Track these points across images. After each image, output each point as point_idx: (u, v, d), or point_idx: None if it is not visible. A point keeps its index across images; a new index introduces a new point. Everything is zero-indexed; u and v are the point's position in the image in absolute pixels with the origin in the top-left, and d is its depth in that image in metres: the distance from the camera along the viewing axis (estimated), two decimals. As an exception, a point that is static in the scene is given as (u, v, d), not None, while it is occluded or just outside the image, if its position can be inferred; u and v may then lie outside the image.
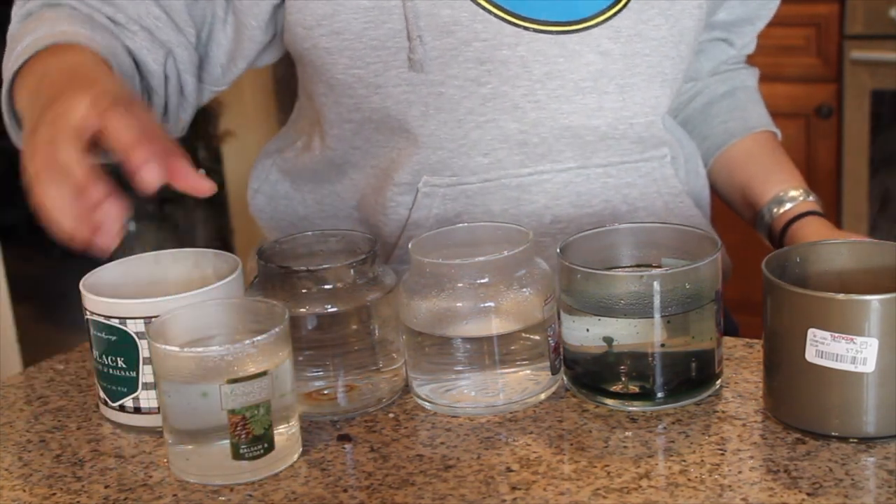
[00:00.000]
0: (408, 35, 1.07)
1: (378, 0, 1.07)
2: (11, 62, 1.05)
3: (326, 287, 0.94)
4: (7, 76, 1.05)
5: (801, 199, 1.23)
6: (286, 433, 0.89)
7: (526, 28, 1.09)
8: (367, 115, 1.12)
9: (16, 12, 1.13)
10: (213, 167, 3.03)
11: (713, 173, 1.30)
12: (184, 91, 1.15)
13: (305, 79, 1.18)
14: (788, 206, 1.23)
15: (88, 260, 0.92)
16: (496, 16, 1.08)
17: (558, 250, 0.96)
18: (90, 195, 0.82)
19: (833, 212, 2.56)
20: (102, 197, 0.82)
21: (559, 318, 0.96)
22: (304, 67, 1.16)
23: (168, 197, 2.88)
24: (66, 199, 0.82)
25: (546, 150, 1.13)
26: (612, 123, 1.13)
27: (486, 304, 0.93)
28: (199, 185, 0.85)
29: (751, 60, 1.39)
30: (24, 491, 0.89)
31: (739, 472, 0.84)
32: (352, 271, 0.95)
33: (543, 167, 1.13)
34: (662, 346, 0.92)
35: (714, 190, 1.30)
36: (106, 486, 0.89)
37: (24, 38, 1.05)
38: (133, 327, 0.92)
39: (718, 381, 0.96)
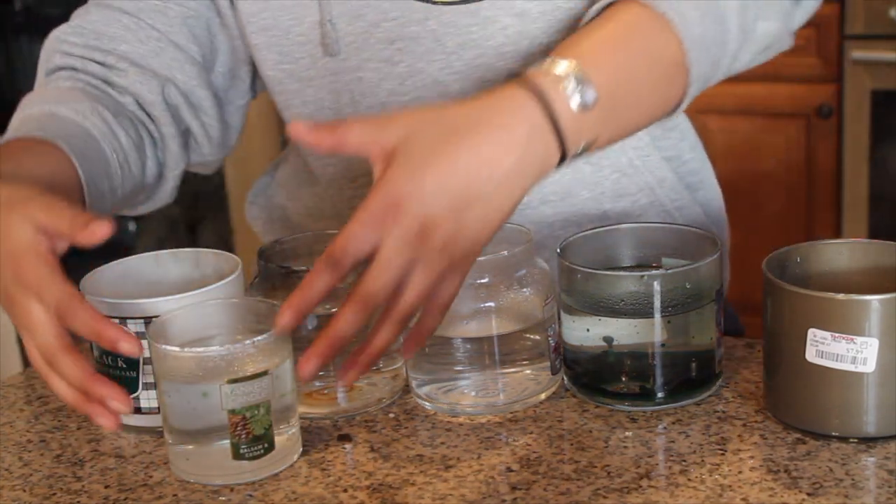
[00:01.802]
0: (320, 22, 1.07)
1: None
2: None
3: (326, 287, 0.94)
4: None
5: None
6: (286, 433, 0.89)
7: (434, 2, 1.06)
8: (305, 110, 1.12)
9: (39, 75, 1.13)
10: (214, 167, 3.02)
11: None
12: (201, 106, 1.13)
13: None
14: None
15: (88, 260, 0.92)
16: None
17: (558, 250, 0.96)
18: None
19: (833, 212, 2.56)
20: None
21: (559, 318, 0.96)
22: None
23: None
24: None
25: None
26: None
27: (486, 304, 0.93)
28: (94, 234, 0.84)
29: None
30: (25, 491, 0.89)
31: (739, 472, 0.84)
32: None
33: None
34: (662, 346, 0.92)
35: None
36: (106, 486, 0.89)
37: (20, 110, 1.05)
38: (133, 327, 0.92)
39: (718, 381, 0.96)
